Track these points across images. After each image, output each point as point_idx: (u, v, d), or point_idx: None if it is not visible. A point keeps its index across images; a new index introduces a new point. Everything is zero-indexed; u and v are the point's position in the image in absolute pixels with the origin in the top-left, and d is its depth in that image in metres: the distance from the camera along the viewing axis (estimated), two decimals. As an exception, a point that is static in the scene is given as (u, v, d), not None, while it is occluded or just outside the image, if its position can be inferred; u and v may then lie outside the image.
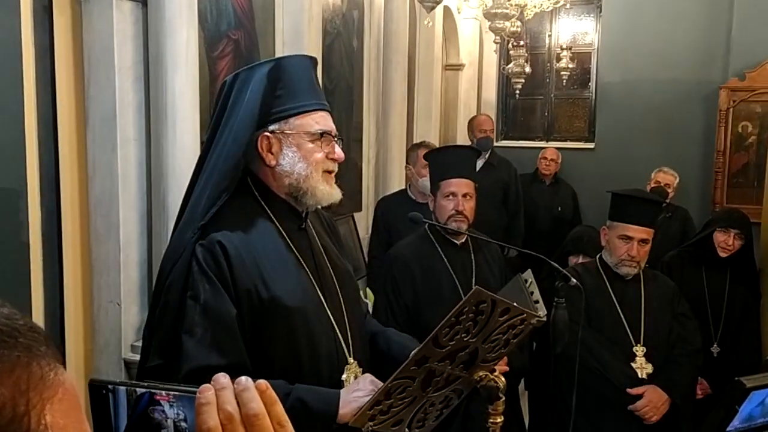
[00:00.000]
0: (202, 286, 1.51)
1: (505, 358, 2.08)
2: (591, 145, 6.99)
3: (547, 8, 5.28)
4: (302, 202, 1.67)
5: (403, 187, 4.42)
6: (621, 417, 2.65)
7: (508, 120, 7.70)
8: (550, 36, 7.36)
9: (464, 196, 2.67)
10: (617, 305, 2.78)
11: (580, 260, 3.42)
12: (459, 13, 6.41)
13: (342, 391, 1.56)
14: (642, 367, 2.69)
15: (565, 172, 6.41)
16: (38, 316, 2.25)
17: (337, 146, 1.70)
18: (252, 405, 0.70)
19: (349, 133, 4.22)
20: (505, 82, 7.41)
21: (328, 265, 1.75)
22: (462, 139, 6.12)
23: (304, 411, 1.49)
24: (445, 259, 2.70)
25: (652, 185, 5.06)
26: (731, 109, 6.04)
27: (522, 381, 3.16)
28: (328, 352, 1.64)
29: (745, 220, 3.48)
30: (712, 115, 6.16)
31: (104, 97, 2.40)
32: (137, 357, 2.00)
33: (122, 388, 0.80)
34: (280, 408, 0.72)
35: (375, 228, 4.16)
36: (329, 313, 1.67)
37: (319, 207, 1.75)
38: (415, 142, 4.94)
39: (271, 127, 1.63)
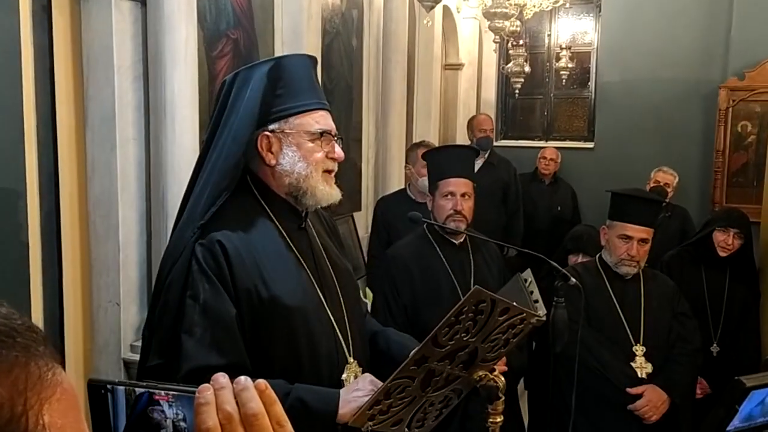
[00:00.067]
0: (202, 285, 1.51)
1: (505, 357, 2.08)
2: (590, 145, 6.99)
3: (547, 8, 5.26)
4: (302, 202, 1.67)
5: (403, 186, 4.41)
6: (620, 416, 2.65)
7: (507, 119, 7.70)
8: (549, 35, 7.36)
9: (463, 195, 2.66)
10: (617, 305, 2.78)
11: (580, 259, 3.42)
12: (458, 12, 6.42)
13: (341, 390, 1.56)
14: (642, 366, 2.69)
15: (564, 171, 6.41)
16: (37, 316, 2.25)
17: (337, 146, 1.69)
18: (251, 405, 0.70)
19: (348, 132, 4.21)
20: (504, 81, 7.41)
21: (328, 264, 1.75)
22: (461, 138, 6.12)
23: (304, 411, 1.49)
24: (444, 259, 2.69)
25: (652, 185, 5.07)
26: (730, 109, 6.04)
27: (521, 381, 3.16)
28: (328, 351, 1.64)
29: (745, 219, 3.48)
30: (712, 115, 6.16)
31: (103, 96, 2.39)
32: (137, 357, 2.00)
33: (121, 387, 0.80)
34: (279, 408, 0.72)
35: (374, 227, 4.16)
36: (329, 312, 1.67)
37: (319, 207, 1.74)
38: (414, 141, 4.95)
39: (271, 127, 1.62)
